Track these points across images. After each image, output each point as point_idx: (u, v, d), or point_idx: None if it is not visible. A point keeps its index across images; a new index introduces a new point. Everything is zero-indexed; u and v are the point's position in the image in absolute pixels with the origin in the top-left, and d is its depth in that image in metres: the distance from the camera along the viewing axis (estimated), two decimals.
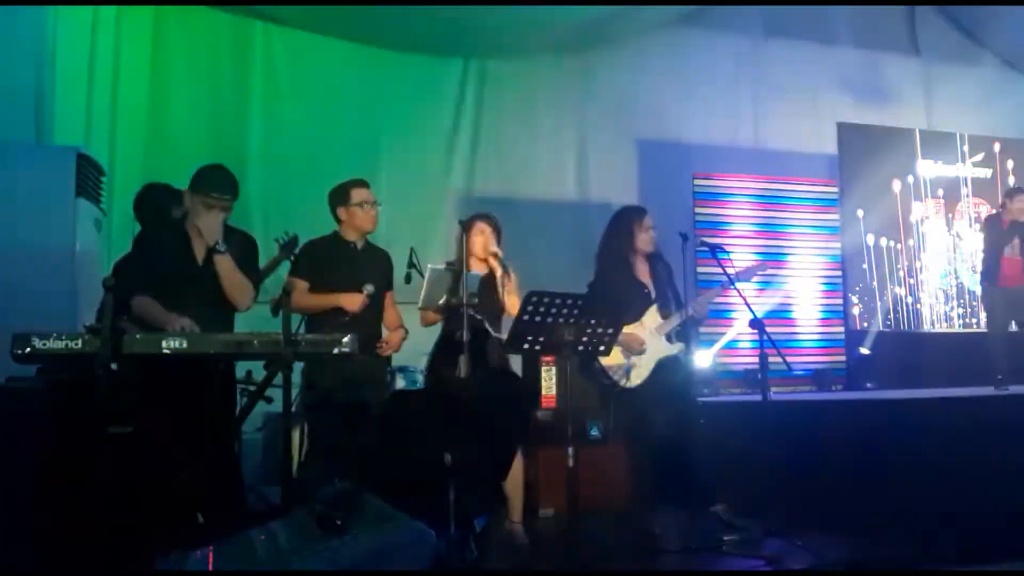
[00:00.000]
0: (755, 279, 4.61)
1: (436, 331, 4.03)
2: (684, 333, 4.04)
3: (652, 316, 4.02)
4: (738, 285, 4.01)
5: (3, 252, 3.97)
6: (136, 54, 6.12)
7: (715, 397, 6.01)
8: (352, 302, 3.63)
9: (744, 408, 5.32)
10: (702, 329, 4.38)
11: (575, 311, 3.21)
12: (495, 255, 3.94)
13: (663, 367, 3.97)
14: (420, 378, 5.10)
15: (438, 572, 1.78)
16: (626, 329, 3.94)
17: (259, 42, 6.57)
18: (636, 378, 3.92)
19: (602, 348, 3.43)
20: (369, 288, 3.64)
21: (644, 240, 4.07)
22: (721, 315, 6.67)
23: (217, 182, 3.33)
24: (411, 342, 4.03)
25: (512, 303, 3.81)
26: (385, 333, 3.92)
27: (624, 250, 4.07)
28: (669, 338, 4.01)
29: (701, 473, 3.87)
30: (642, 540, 3.76)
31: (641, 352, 3.95)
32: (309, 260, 3.80)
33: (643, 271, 4.13)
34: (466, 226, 3.78)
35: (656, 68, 7.70)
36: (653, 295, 4.07)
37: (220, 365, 3.24)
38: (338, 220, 3.87)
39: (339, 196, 3.85)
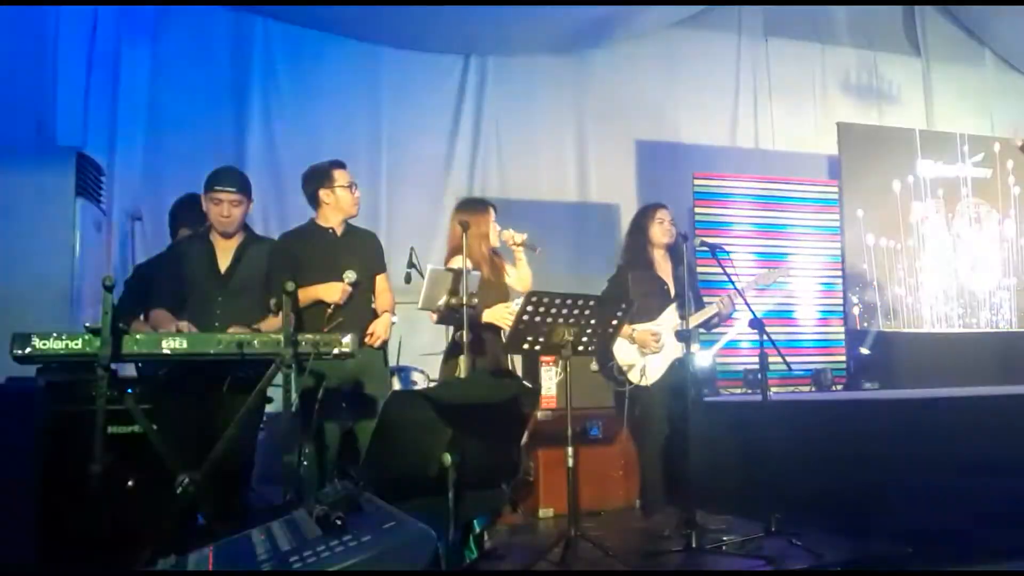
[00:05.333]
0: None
1: (434, 332, 4.02)
2: (684, 333, 4.01)
3: (671, 315, 4.04)
4: (742, 286, 4.01)
5: (3, 252, 3.97)
6: (136, 54, 6.13)
7: (715, 397, 6.01)
8: (331, 293, 3.40)
9: (744, 408, 5.31)
10: (702, 330, 4.28)
11: (575, 310, 3.21)
12: (522, 242, 3.80)
13: (676, 367, 4.00)
14: (418, 377, 5.08)
15: (438, 572, 1.77)
16: (641, 327, 4.01)
17: (259, 40, 6.58)
18: (651, 377, 3.96)
19: (599, 347, 3.44)
20: (350, 275, 3.39)
21: (657, 232, 4.10)
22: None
23: (218, 177, 3.36)
24: (412, 342, 4.01)
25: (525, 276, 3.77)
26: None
27: (642, 244, 4.11)
28: (680, 337, 3.97)
29: (696, 473, 3.88)
30: (646, 539, 3.76)
31: (656, 351, 3.99)
32: (284, 253, 3.52)
33: (664, 269, 4.15)
34: (476, 215, 3.69)
35: (656, 67, 7.71)
36: (673, 293, 4.09)
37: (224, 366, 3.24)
38: (317, 205, 3.60)
39: (320, 178, 3.59)
